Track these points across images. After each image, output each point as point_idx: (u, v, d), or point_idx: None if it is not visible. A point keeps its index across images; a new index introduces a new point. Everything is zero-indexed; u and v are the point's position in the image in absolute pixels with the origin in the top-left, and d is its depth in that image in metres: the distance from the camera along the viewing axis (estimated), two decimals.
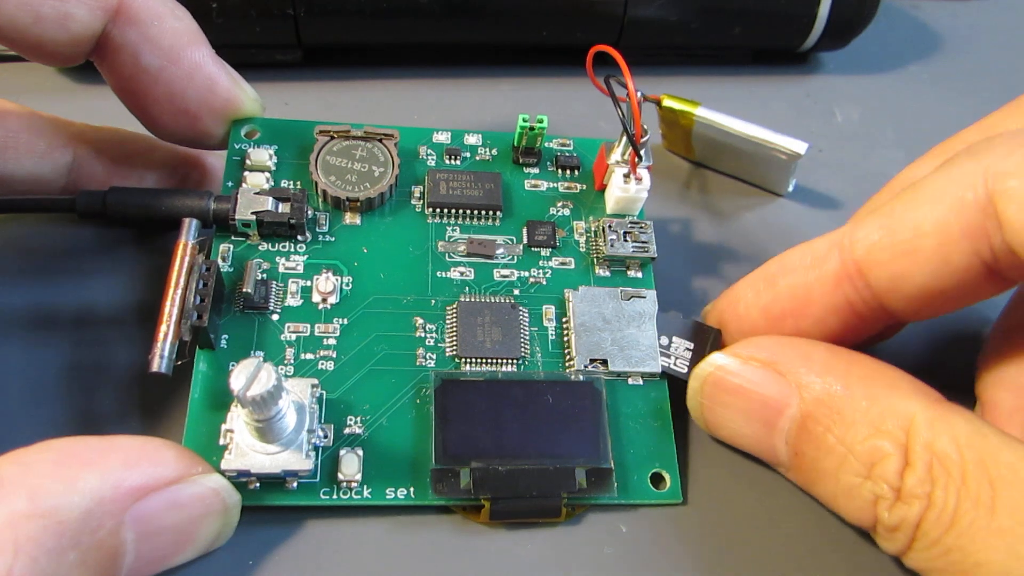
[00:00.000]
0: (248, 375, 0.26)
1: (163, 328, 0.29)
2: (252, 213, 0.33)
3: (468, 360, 0.33)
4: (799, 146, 0.40)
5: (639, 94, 0.35)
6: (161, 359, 0.29)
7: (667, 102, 0.42)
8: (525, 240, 0.36)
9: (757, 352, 0.31)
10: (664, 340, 0.34)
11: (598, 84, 0.36)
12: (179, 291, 0.30)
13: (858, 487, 0.27)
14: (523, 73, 0.48)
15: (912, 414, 0.27)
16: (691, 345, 0.34)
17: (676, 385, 0.34)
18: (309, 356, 0.32)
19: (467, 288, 0.35)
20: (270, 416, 0.27)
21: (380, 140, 0.36)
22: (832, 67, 0.52)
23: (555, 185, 0.38)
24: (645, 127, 0.35)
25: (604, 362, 0.33)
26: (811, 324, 0.32)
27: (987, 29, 0.57)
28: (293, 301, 0.33)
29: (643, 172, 0.36)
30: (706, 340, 0.34)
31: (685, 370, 0.34)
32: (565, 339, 0.34)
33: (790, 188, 0.44)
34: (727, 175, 0.45)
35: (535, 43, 0.47)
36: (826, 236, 0.31)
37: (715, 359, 0.31)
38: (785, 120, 0.48)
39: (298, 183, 0.36)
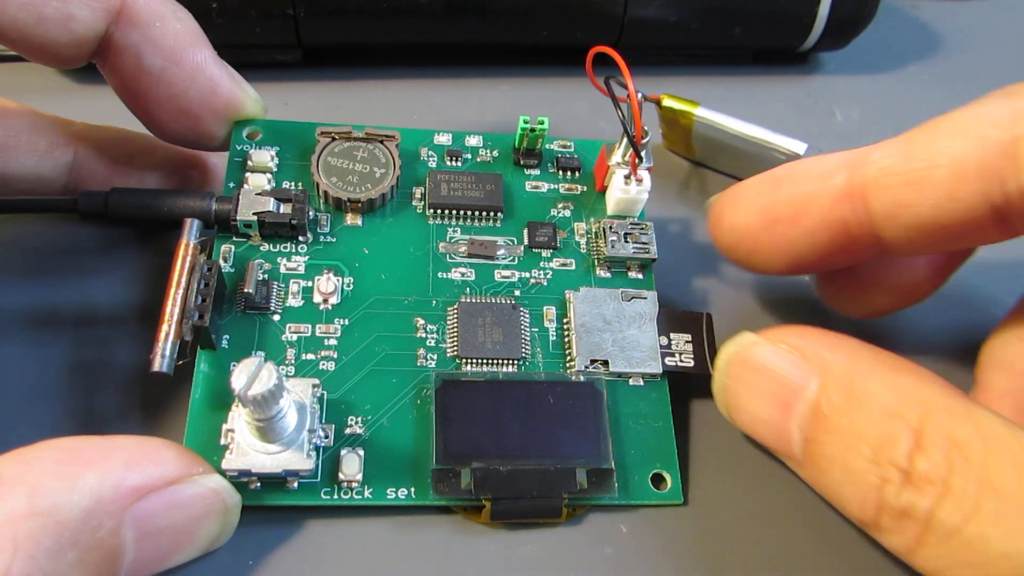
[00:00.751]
0: (249, 374, 0.26)
1: (164, 328, 0.29)
2: (254, 214, 0.33)
3: (469, 361, 0.33)
4: (798, 146, 0.40)
5: (639, 95, 0.35)
6: (162, 359, 0.29)
7: (667, 102, 0.42)
8: (526, 241, 0.36)
9: (786, 336, 0.30)
10: (663, 340, 0.34)
11: (598, 85, 0.36)
12: (180, 291, 0.30)
13: (863, 472, 0.26)
14: (523, 73, 0.48)
15: (931, 401, 0.26)
16: (688, 337, 0.34)
17: (677, 386, 0.34)
18: (310, 356, 0.32)
19: (468, 289, 0.35)
20: (271, 415, 0.27)
21: (381, 141, 0.36)
22: (832, 67, 0.52)
23: (556, 186, 0.38)
24: (646, 128, 0.35)
25: (605, 363, 0.33)
26: (801, 234, 0.31)
27: (987, 29, 0.56)
28: (294, 302, 0.33)
29: (644, 173, 0.36)
30: (700, 326, 0.34)
31: (692, 363, 0.34)
32: (566, 340, 0.34)
33: None
34: (727, 175, 0.45)
35: (535, 43, 0.47)
36: (842, 153, 0.31)
37: (744, 338, 0.31)
38: (785, 120, 0.48)
39: (299, 184, 0.36)
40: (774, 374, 0.30)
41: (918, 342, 0.38)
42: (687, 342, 0.34)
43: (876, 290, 0.35)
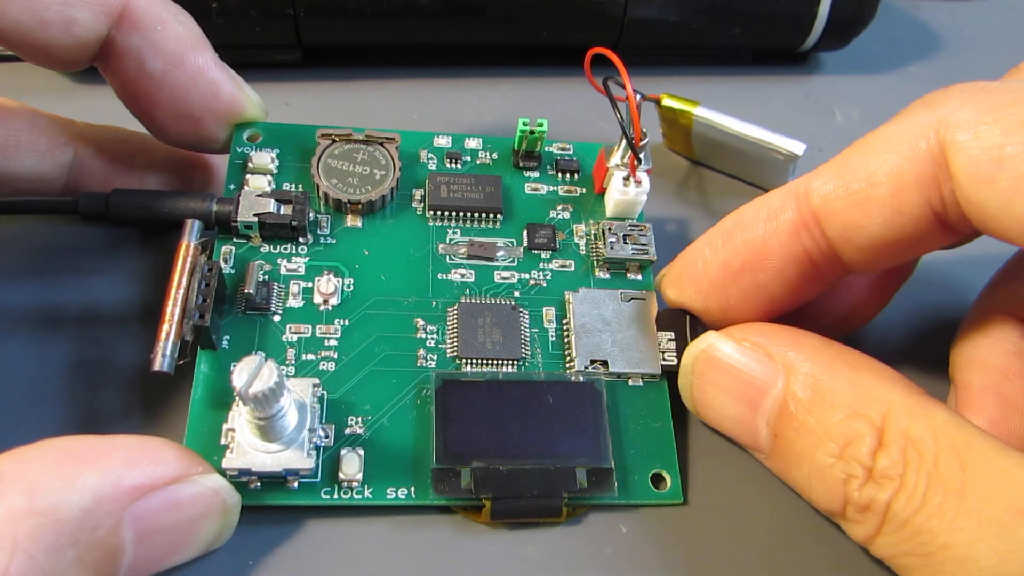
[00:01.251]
0: (250, 372, 0.26)
1: (165, 328, 0.29)
2: (254, 215, 0.33)
3: (469, 361, 0.33)
4: (797, 147, 0.40)
5: (638, 96, 0.35)
6: (163, 358, 0.29)
7: (666, 101, 0.42)
8: (525, 243, 0.36)
9: (750, 334, 0.31)
10: None
11: (597, 86, 0.36)
12: (181, 291, 0.30)
13: (830, 467, 0.27)
14: (523, 73, 0.48)
15: (891, 401, 0.27)
16: (672, 335, 0.34)
17: (676, 386, 0.34)
18: (310, 357, 0.32)
19: (468, 290, 0.35)
20: (271, 414, 0.27)
21: (381, 144, 0.36)
22: (832, 67, 0.52)
23: (555, 188, 0.38)
24: (645, 130, 0.35)
25: (604, 363, 0.33)
26: (770, 277, 0.32)
27: (987, 29, 0.57)
28: (295, 302, 0.33)
29: (642, 175, 0.36)
30: (683, 323, 0.34)
31: (675, 361, 0.34)
32: (565, 340, 0.34)
33: None
34: (727, 175, 0.45)
35: (535, 43, 0.47)
36: (782, 188, 0.31)
37: (709, 337, 0.32)
38: (785, 120, 0.48)
39: (300, 186, 0.36)
40: (740, 372, 0.30)
41: (884, 331, 0.39)
42: (670, 340, 0.34)
43: (823, 318, 0.35)
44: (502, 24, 0.45)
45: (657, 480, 0.33)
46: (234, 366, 0.26)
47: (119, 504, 0.24)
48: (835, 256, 0.30)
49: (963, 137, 0.27)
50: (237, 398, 0.28)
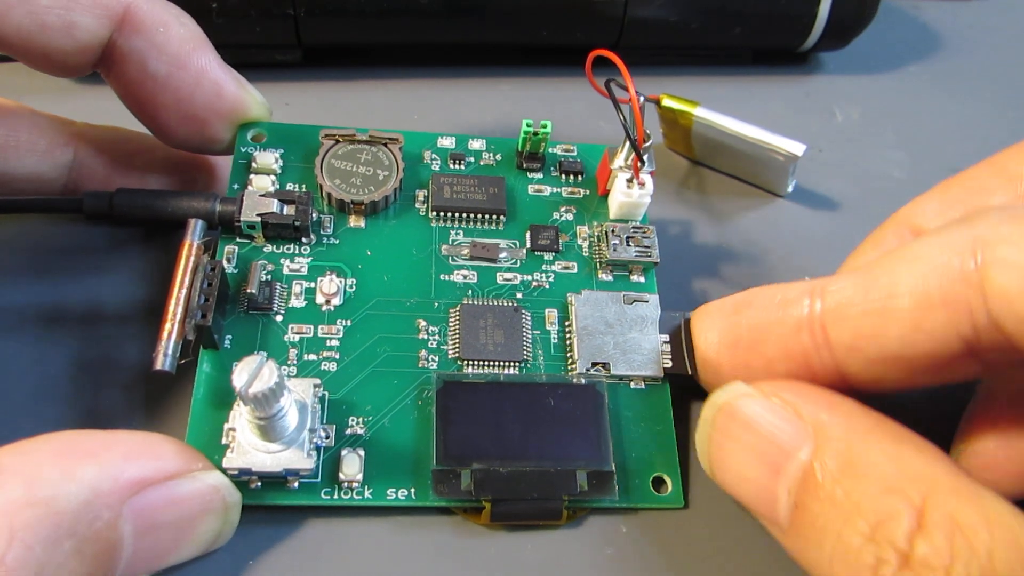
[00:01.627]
0: (250, 372, 0.26)
1: (167, 327, 0.29)
2: (257, 215, 0.33)
3: (470, 362, 0.33)
4: (797, 147, 0.40)
5: (640, 98, 0.35)
6: (165, 357, 0.29)
7: (666, 102, 0.42)
8: (528, 244, 0.36)
9: (781, 391, 0.28)
10: None
11: (599, 88, 0.36)
12: (184, 291, 0.30)
13: (858, 549, 0.24)
14: (523, 73, 0.48)
15: (935, 479, 0.24)
16: (667, 337, 0.34)
17: (678, 388, 0.34)
18: (312, 357, 0.32)
19: (470, 291, 0.35)
20: (272, 414, 0.27)
21: (385, 144, 0.36)
22: (832, 67, 0.52)
23: (558, 190, 0.38)
24: (648, 132, 0.35)
25: (606, 366, 0.33)
26: (761, 363, 0.30)
27: (987, 29, 0.57)
28: (297, 302, 0.33)
29: (646, 177, 0.36)
30: (679, 328, 0.34)
31: (671, 364, 0.34)
32: (567, 343, 0.34)
33: (790, 188, 0.44)
34: (727, 175, 0.45)
35: (535, 43, 0.47)
36: (805, 281, 0.30)
37: (735, 388, 0.29)
38: (785, 120, 0.48)
39: (303, 186, 0.36)
40: (764, 430, 0.28)
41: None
42: (665, 342, 0.34)
43: None
44: (501, 24, 0.45)
45: (658, 484, 0.33)
46: (235, 366, 0.26)
47: (118, 497, 0.25)
48: (835, 368, 0.28)
49: (1005, 252, 0.24)
50: (238, 398, 0.28)
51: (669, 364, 0.34)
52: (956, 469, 0.25)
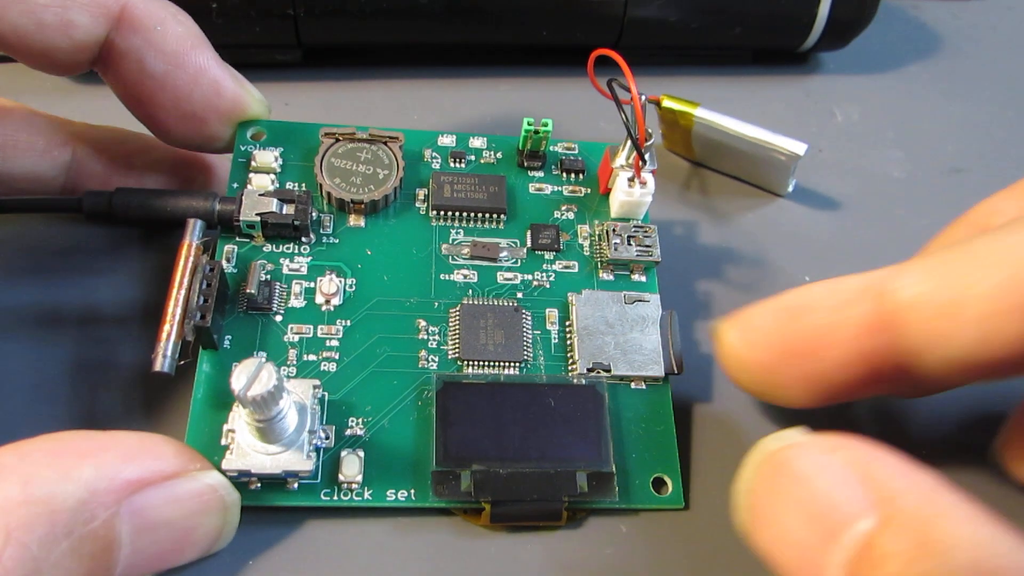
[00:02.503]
0: (249, 375, 0.26)
1: (166, 328, 0.29)
2: (257, 214, 0.33)
3: (470, 363, 0.33)
4: (798, 147, 0.40)
5: (642, 97, 0.35)
6: (164, 359, 0.29)
7: (666, 102, 0.42)
8: (529, 243, 0.36)
9: (845, 446, 0.24)
10: None
11: (600, 88, 0.36)
12: (183, 291, 0.30)
13: None
14: (523, 73, 0.48)
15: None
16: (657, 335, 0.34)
17: (678, 389, 0.34)
18: (312, 357, 0.32)
19: (470, 291, 0.35)
20: (271, 416, 0.27)
21: (385, 143, 0.36)
22: (832, 67, 0.52)
23: (559, 189, 0.38)
24: (649, 131, 0.35)
25: (607, 366, 0.33)
26: (829, 368, 0.28)
27: (987, 29, 0.57)
28: (296, 302, 0.33)
29: (647, 176, 0.36)
30: (667, 324, 0.34)
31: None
32: (568, 343, 0.34)
33: (790, 188, 0.44)
34: (727, 175, 0.45)
35: (535, 43, 0.47)
36: (857, 276, 0.28)
37: (789, 435, 0.25)
38: (785, 120, 0.48)
39: (303, 185, 0.36)
40: (821, 489, 0.23)
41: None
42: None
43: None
44: (501, 24, 0.45)
45: (658, 484, 0.32)
46: (233, 369, 0.26)
47: (115, 497, 0.24)
48: (903, 365, 0.27)
49: None
50: (237, 400, 0.28)
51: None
52: None
